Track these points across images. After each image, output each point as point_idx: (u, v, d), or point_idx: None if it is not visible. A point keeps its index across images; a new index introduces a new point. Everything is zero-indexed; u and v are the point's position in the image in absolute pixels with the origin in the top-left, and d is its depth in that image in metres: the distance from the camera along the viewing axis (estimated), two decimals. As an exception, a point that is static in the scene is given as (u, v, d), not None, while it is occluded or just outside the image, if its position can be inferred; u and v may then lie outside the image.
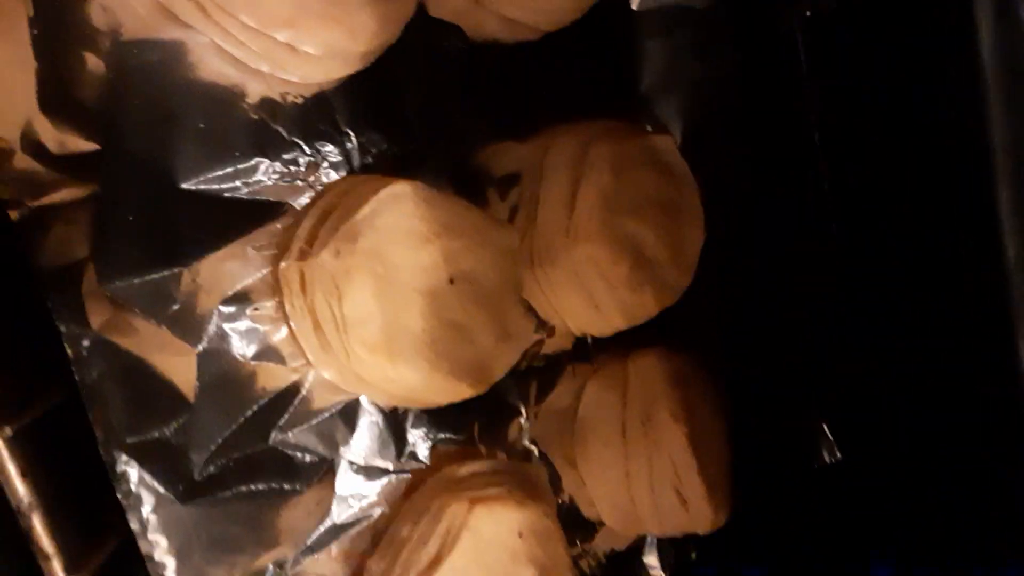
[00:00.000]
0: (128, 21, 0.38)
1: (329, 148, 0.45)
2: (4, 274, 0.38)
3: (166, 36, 0.39)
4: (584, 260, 0.51)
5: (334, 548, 0.46)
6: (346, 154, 0.45)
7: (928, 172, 0.54)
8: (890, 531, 0.56)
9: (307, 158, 0.44)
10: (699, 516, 0.54)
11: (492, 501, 0.47)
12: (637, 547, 0.59)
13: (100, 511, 0.40)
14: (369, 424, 0.48)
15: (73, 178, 0.37)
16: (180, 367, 0.41)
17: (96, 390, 0.38)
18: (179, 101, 0.40)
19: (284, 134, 0.43)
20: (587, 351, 0.57)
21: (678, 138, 0.56)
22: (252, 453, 0.44)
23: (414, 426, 0.49)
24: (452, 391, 0.46)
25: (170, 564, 0.41)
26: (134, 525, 0.40)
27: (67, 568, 0.38)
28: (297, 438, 0.45)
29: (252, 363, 0.43)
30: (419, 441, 0.49)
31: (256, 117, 0.42)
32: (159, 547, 0.40)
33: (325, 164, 0.45)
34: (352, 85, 0.45)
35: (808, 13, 0.58)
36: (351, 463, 0.47)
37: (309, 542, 0.45)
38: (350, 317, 0.42)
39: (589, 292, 0.52)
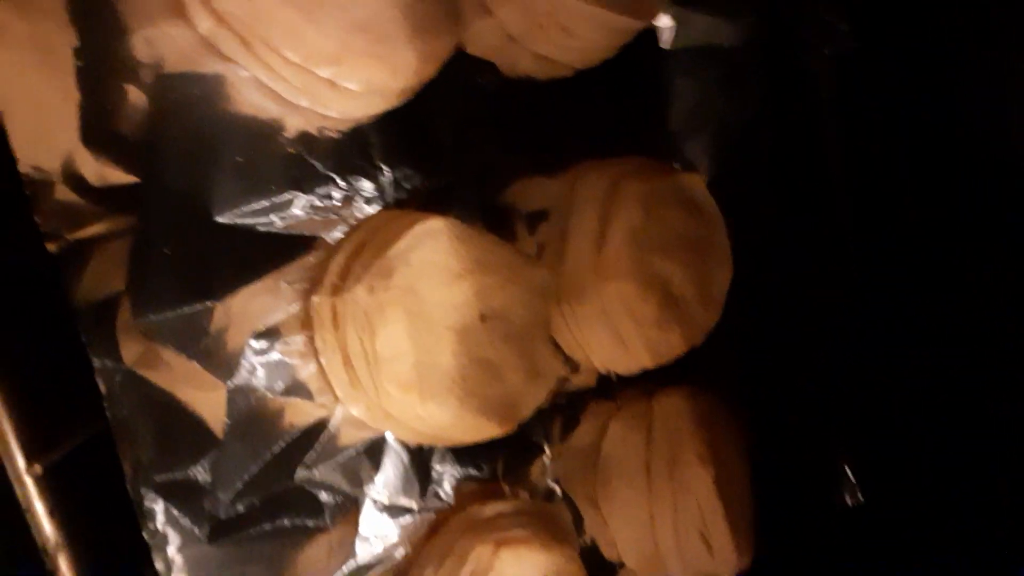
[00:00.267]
0: (171, 54, 0.38)
1: (363, 182, 0.44)
2: (37, 308, 0.37)
3: (207, 70, 0.39)
4: (613, 297, 0.50)
5: (357, 589, 0.46)
6: (380, 188, 0.45)
7: (953, 210, 0.54)
8: (913, 573, 0.56)
9: (341, 192, 0.44)
10: (724, 560, 0.53)
11: (518, 544, 0.46)
12: (658, 590, 0.58)
13: (126, 550, 0.39)
14: (394, 461, 0.47)
15: (111, 210, 0.37)
16: (210, 402, 0.40)
17: (126, 426, 0.38)
18: (218, 134, 0.39)
19: (320, 168, 0.43)
20: (611, 388, 0.56)
21: (705, 176, 0.56)
22: (278, 491, 0.43)
23: (439, 464, 0.49)
24: (480, 430, 0.45)
25: (194, 604, 0.40)
26: (159, 565, 0.39)
27: (92, 608, 0.37)
28: (323, 475, 0.45)
29: (280, 399, 0.43)
30: (443, 479, 0.49)
31: (293, 151, 0.42)
32: (184, 587, 0.40)
33: (359, 198, 0.44)
34: (388, 119, 0.44)
35: (828, 52, 0.58)
36: (375, 501, 0.47)
37: (332, 582, 0.45)
38: (382, 354, 0.42)
39: (617, 330, 0.51)
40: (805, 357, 0.60)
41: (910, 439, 0.58)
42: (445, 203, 0.47)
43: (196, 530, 0.40)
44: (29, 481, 0.34)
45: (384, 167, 0.45)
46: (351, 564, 0.45)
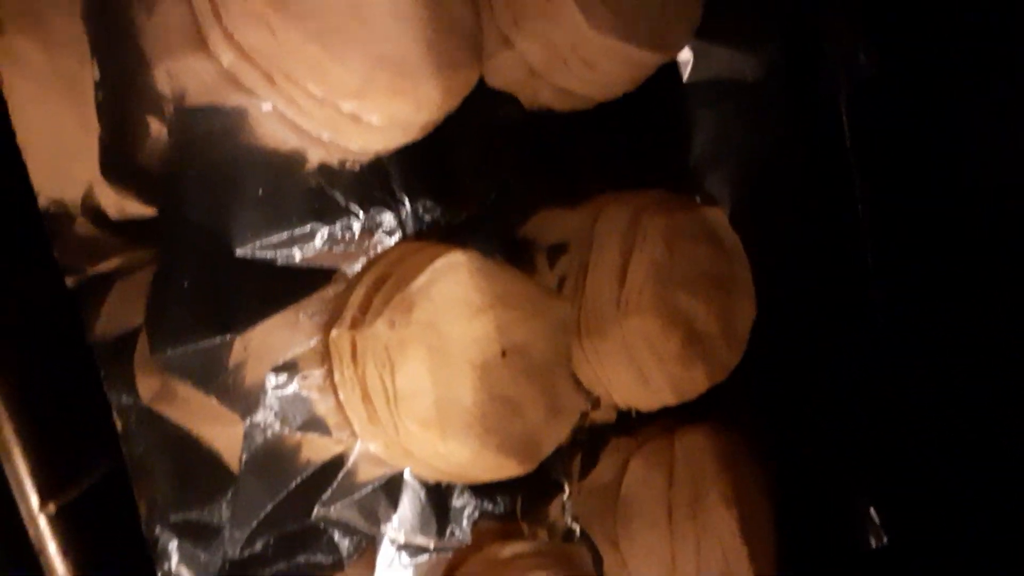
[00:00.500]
0: (192, 87, 0.37)
1: (384, 214, 0.44)
2: (54, 343, 0.37)
3: (229, 103, 0.38)
4: (635, 333, 0.50)
5: (372, 631, 0.45)
6: (400, 221, 0.45)
7: (979, 244, 0.53)
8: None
9: (361, 224, 0.43)
10: (748, 604, 0.52)
11: (537, 585, 0.45)
12: (679, 634, 0.57)
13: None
14: (412, 499, 0.46)
15: (131, 244, 0.37)
16: (227, 438, 0.39)
17: (142, 464, 0.37)
18: (239, 167, 0.39)
19: (340, 200, 0.42)
20: (631, 424, 0.55)
21: (727, 209, 0.56)
22: (294, 530, 0.42)
23: (457, 500, 0.48)
24: (500, 468, 0.45)
25: (208, 646, 0.39)
26: (173, 605, 0.38)
27: (103, 652, 0.36)
28: (339, 513, 0.44)
29: (298, 434, 0.42)
30: (461, 517, 0.48)
31: (314, 183, 0.41)
32: (198, 629, 0.39)
33: (379, 231, 0.44)
34: (408, 151, 0.44)
35: (845, 76, 0.58)
36: (392, 540, 0.46)
37: (348, 625, 0.44)
38: (402, 390, 0.41)
39: (639, 366, 0.50)
40: (829, 395, 0.59)
41: (936, 481, 0.56)
42: (465, 235, 0.46)
43: (211, 570, 0.39)
44: (43, 520, 0.33)
45: (404, 199, 0.45)
46: (367, 605, 0.44)
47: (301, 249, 0.42)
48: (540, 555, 0.49)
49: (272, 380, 0.41)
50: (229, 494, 0.39)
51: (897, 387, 0.58)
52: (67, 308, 0.35)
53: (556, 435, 0.47)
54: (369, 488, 0.45)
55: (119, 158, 0.36)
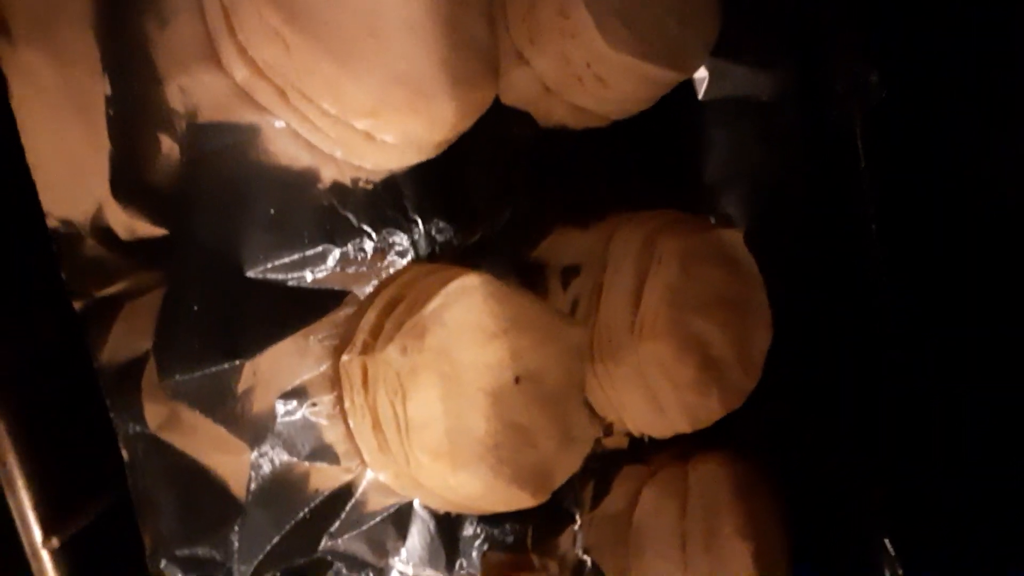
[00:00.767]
0: (205, 104, 0.36)
1: (396, 235, 0.43)
2: (59, 371, 0.36)
3: (242, 120, 0.37)
4: (649, 359, 0.48)
5: (380, 668, 0.43)
6: (412, 242, 0.44)
7: (994, 266, 0.53)
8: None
9: (373, 245, 0.42)
10: (763, 639, 0.51)
11: (549, 619, 0.44)
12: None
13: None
14: (421, 530, 0.45)
15: (139, 265, 0.36)
16: (234, 467, 0.38)
17: (148, 496, 0.36)
18: (251, 185, 0.38)
19: (353, 220, 0.41)
20: (644, 452, 0.54)
21: (742, 231, 0.55)
22: (300, 563, 0.41)
23: (466, 531, 0.47)
24: (513, 500, 0.43)
25: None
26: (176, 643, 0.36)
27: None
28: (347, 545, 0.42)
29: (306, 463, 0.41)
30: (471, 548, 0.46)
31: (326, 203, 0.40)
32: (201, 668, 0.37)
33: (391, 252, 0.43)
34: (421, 170, 0.43)
35: (857, 97, 0.57)
36: (400, 573, 0.45)
37: (354, 662, 0.42)
38: (414, 419, 0.40)
39: (653, 392, 0.49)
40: (844, 423, 0.58)
41: (953, 513, 0.55)
42: (477, 257, 0.45)
43: (215, 607, 0.38)
44: (46, 556, 0.32)
45: (417, 219, 0.43)
46: (375, 642, 0.43)
47: (312, 270, 0.40)
48: (551, 587, 0.47)
49: (281, 407, 0.40)
50: (236, 526, 0.38)
51: (914, 415, 0.57)
52: (73, 333, 0.33)
53: (569, 465, 0.46)
54: (378, 519, 0.44)
55: (130, 176, 0.35)
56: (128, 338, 0.35)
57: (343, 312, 0.42)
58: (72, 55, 0.34)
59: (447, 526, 0.46)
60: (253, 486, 0.39)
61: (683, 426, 0.51)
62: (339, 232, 0.41)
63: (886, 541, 0.58)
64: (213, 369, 0.37)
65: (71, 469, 0.36)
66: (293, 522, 0.40)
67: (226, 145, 0.37)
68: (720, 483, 0.52)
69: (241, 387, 0.38)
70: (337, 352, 0.41)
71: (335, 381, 0.41)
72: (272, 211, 0.38)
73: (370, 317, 0.42)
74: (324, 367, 0.41)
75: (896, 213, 0.58)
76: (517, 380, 0.43)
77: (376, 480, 0.43)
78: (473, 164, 0.45)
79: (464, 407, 0.41)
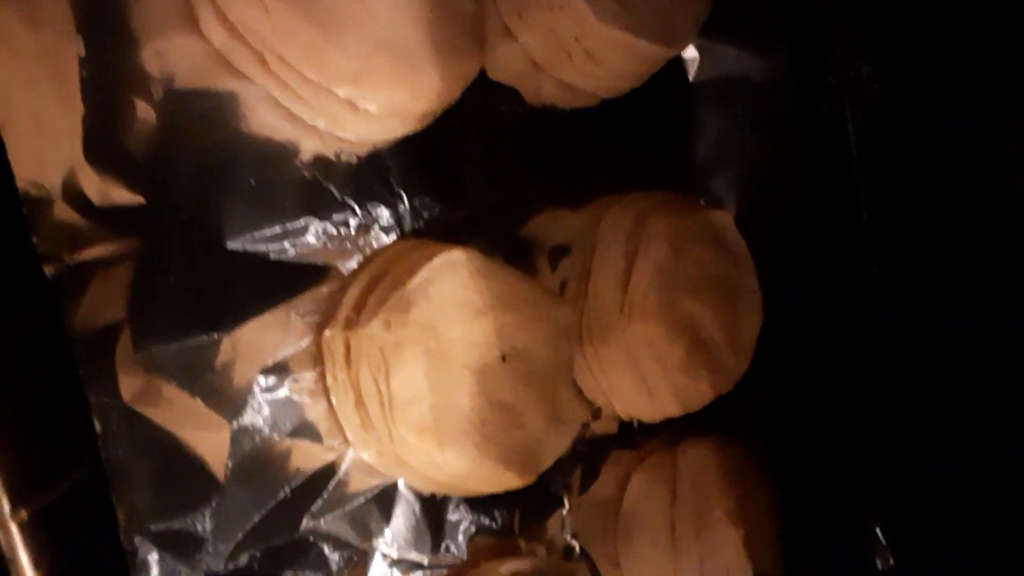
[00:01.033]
0: (182, 69, 0.36)
1: (381, 210, 0.42)
2: (30, 337, 0.35)
3: (220, 87, 0.37)
4: (638, 340, 0.48)
5: (363, 652, 0.42)
6: (398, 217, 0.43)
7: (987, 250, 0.52)
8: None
9: (358, 220, 0.42)
10: (752, 625, 0.50)
11: (536, 604, 0.43)
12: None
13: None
14: (405, 511, 0.44)
15: (114, 232, 0.35)
16: (212, 444, 0.37)
17: (122, 468, 0.35)
18: (230, 155, 0.37)
19: (336, 194, 0.41)
20: (633, 437, 0.53)
21: (732, 213, 0.54)
22: (281, 543, 0.40)
23: (452, 514, 0.46)
24: (499, 480, 0.43)
25: (188, 666, 0.37)
26: (152, 623, 0.35)
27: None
28: (329, 526, 0.41)
29: (287, 440, 0.40)
30: (457, 532, 0.46)
31: (308, 175, 0.39)
32: (177, 648, 0.36)
33: (375, 227, 0.42)
34: (407, 145, 0.42)
35: (849, 84, 0.57)
36: (384, 555, 0.44)
37: (337, 644, 0.41)
38: (398, 395, 0.39)
39: (642, 375, 0.49)
40: (836, 408, 0.57)
41: (944, 501, 0.55)
42: (464, 234, 0.45)
43: (193, 585, 0.37)
44: (14, 527, 0.31)
45: (403, 194, 0.43)
46: (358, 625, 0.42)
47: (295, 245, 0.40)
48: (538, 572, 0.47)
49: (261, 382, 0.39)
50: (213, 503, 0.37)
51: (905, 402, 0.56)
52: (46, 300, 0.33)
53: (557, 446, 0.45)
54: (361, 499, 0.43)
55: (104, 141, 0.34)
56: (102, 306, 0.34)
57: (326, 288, 0.41)
58: (46, 15, 0.33)
59: (433, 508, 0.45)
60: (232, 463, 0.38)
61: (673, 409, 0.50)
62: (322, 205, 0.40)
63: (877, 529, 0.58)
64: (190, 342, 0.36)
65: (42, 439, 0.35)
66: (274, 501, 0.39)
67: (204, 113, 0.36)
68: (710, 468, 0.52)
69: (220, 361, 0.37)
70: (319, 329, 0.41)
71: (317, 358, 0.41)
72: (252, 182, 0.38)
73: (353, 292, 0.41)
74: (306, 343, 0.40)
75: (888, 199, 0.57)
76: (504, 358, 0.42)
77: (359, 459, 0.42)
78: (460, 140, 0.45)
79: (449, 384, 0.41)
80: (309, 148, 0.39)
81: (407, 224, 0.43)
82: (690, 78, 0.53)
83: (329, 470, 0.41)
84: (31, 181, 0.33)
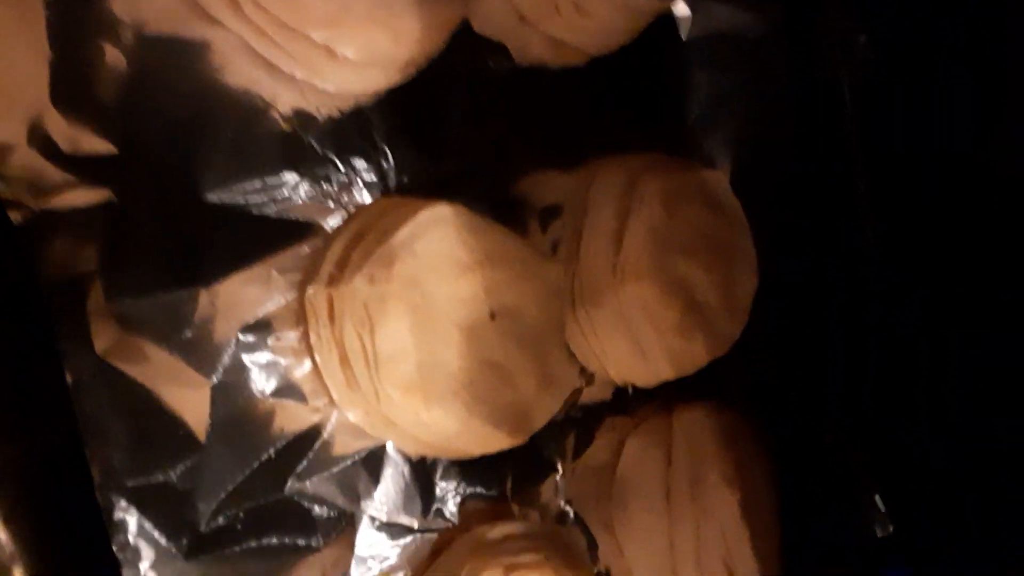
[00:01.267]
0: (152, 14, 0.35)
1: (364, 166, 0.41)
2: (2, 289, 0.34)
3: (193, 34, 0.36)
4: (632, 301, 0.47)
5: (352, 616, 0.41)
6: (382, 174, 0.42)
7: (983, 216, 0.51)
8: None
9: (340, 176, 0.41)
10: (750, 591, 0.49)
11: (529, 569, 0.43)
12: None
13: (92, 565, 0.35)
14: (394, 475, 0.43)
15: (85, 181, 0.34)
16: (191, 401, 0.36)
17: (96, 423, 0.34)
18: (205, 105, 0.36)
19: (317, 148, 0.40)
20: (627, 402, 0.52)
21: (726, 174, 0.53)
22: (265, 503, 0.39)
23: (443, 478, 0.45)
24: (489, 440, 0.42)
25: (169, 628, 0.36)
26: (130, 582, 0.35)
27: (50, 633, 0.33)
28: (315, 488, 0.41)
29: (270, 400, 0.39)
30: (447, 496, 0.45)
31: (288, 128, 0.39)
32: (157, 609, 0.36)
33: (359, 183, 0.41)
34: (390, 100, 0.41)
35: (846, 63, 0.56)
36: (373, 519, 0.43)
37: (325, 608, 0.41)
38: (383, 352, 0.38)
39: (636, 337, 0.48)
40: (833, 373, 0.56)
41: (944, 469, 0.54)
42: (450, 191, 0.43)
43: (172, 545, 0.36)
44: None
45: (387, 149, 0.42)
46: (346, 587, 0.41)
47: (275, 200, 0.39)
48: (531, 537, 0.46)
49: (242, 340, 0.38)
50: (193, 462, 0.36)
51: (903, 370, 0.56)
52: (16, 245, 0.32)
53: (548, 407, 0.44)
54: (348, 462, 0.42)
55: (72, 86, 0.33)
56: (73, 257, 0.33)
57: (308, 245, 0.40)
58: (10, -45, 0.32)
59: (422, 471, 0.44)
60: (212, 422, 0.37)
61: (667, 372, 0.49)
62: (303, 160, 0.39)
63: (876, 497, 0.57)
64: (167, 295, 0.35)
65: (12, 390, 0.34)
66: (257, 462, 0.39)
67: (176, 60, 0.35)
68: (705, 432, 0.51)
69: (198, 316, 0.36)
70: (302, 287, 0.40)
71: (300, 316, 0.40)
72: (230, 134, 0.37)
73: (336, 249, 0.40)
74: (289, 300, 0.39)
75: (883, 163, 0.56)
76: (492, 316, 0.42)
77: (345, 420, 0.41)
78: (446, 96, 0.44)
79: (436, 341, 0.40)
80: (287, 100, 0.38)
81: (391, 181, 0.42)
82: (683, 37, 0.52)
83: (314, 432, 0.41)
84: (-6, 124, 0.32)
